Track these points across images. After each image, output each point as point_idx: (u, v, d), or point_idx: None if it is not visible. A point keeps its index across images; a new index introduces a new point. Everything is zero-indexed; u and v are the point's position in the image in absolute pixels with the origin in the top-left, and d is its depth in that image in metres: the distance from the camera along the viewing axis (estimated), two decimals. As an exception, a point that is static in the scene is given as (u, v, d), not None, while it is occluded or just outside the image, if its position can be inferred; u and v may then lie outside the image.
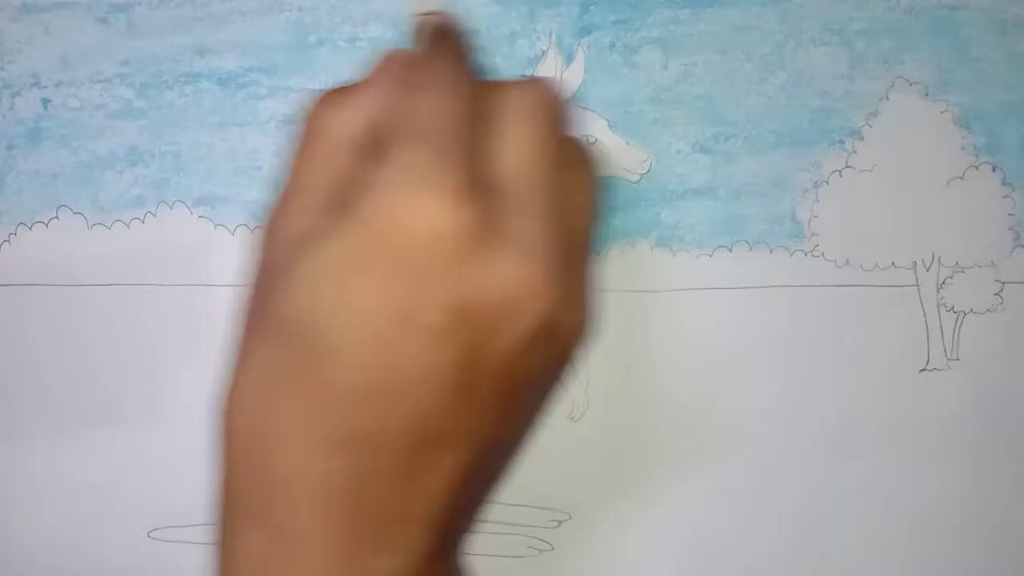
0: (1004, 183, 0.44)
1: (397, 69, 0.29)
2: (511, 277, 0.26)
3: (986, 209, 0.44)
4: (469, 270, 0.26)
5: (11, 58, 0.43)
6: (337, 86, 0.29)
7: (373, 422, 0.26)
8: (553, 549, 0.43)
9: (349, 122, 0.29)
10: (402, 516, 0.27)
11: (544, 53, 0.43)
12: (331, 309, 0.26)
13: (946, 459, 0.44)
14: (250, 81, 0.43)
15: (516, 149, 0.28)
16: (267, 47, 0.43)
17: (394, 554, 0.27)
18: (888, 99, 0.44)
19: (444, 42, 0.31)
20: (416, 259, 0.26)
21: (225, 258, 0.43)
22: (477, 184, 0.27)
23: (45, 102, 0.43)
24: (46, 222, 0.43)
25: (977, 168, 0.44)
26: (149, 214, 0.43)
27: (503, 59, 0.43)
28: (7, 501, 0.43)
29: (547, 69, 0.43)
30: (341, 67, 0.43)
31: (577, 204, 0.30)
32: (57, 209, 0.43)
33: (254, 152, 0.43)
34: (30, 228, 0.43)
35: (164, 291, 0.43)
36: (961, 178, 0.44)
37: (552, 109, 0.30)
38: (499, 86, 0.30)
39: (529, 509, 0.43)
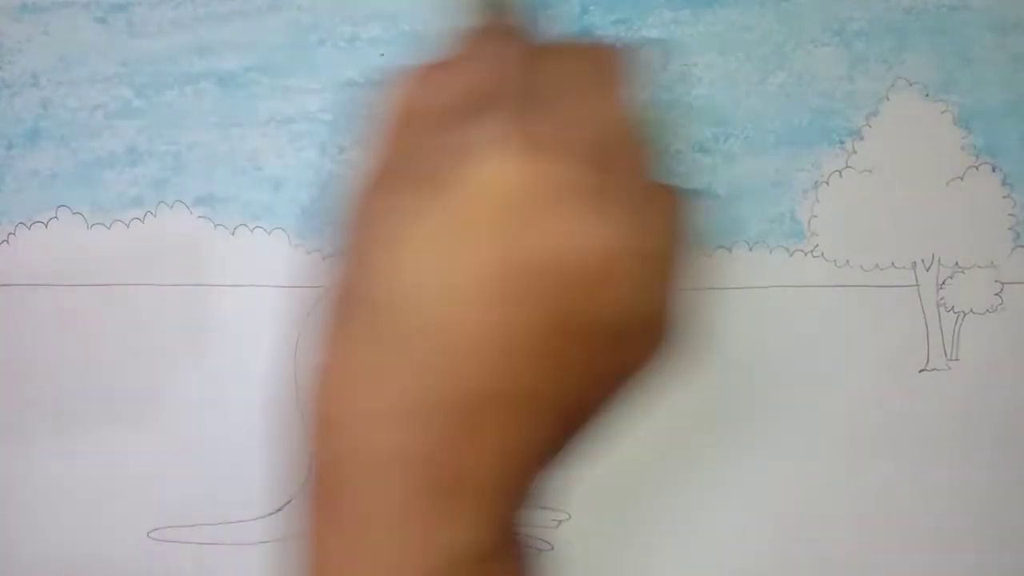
0: (1004, 183, 0.44)
1: (481, 44, 0.29)
2: (613, 237, 0.26)
3: (986, 209, 0.44)
4: (569, 226, 0.26)
5: (11, 58, 0.43)
6: (419, 64, 0.29)
7: (459, 386, 0.26)
8: (553, 549, 0.43)
9: (441, 96, 0.28)
10: (473, 482, 0.27)
11: (544, 53, 0.43)
12: (426, 282, 0.26)
13: (946, 459, 0.44)
14: (250, 81, 0.43)
15: (604, 111, 0.28)
16: (267, 47, 0.43)
17: (465, 523, 0.26)
18: (888, 99, 0.44)
19: (507, 14, 0.31)
20: (513, 217, 0.26)
21: (224, 258, 0.43)
22: (569, 143, 0.26)
23: (45, 102, 0.43)
24: (45, 222, 0.43)
25: (977, 168, 0.44)
26: (148, 214, 0.43)
27: (503, 59, 0.43)
28: (7, 501, 0.43)
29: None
30: (341, 66, 0.43)
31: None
32: (56, 209, 0.43)
33: (254, 152, 0.43)
34: (29, 228, 0.43)
35: (163, 291, 0.43)
36: (961, 178, 0.44)
37: (611, 67, 0.29)
38: (574, 50, 0.30)
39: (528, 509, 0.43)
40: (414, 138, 0.29)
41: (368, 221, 0.28)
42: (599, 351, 0.28)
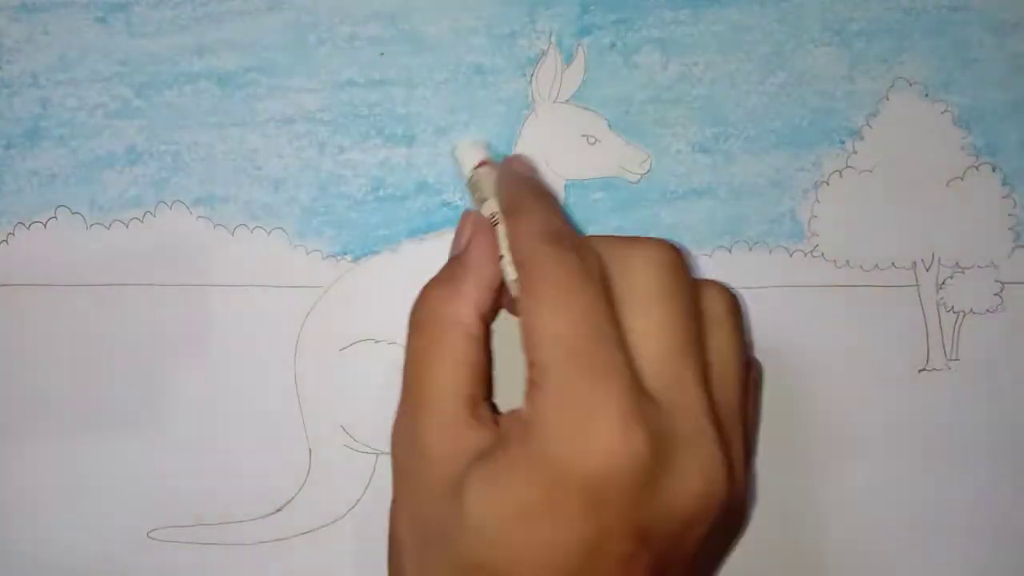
0: (1004, 183, 0.44)
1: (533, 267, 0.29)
2: (688, 497, 0.26)
3: (986, 209, 0.44)
4: (651, 495, 0.26)
5: (10, 58, 0.43)
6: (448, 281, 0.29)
7: None
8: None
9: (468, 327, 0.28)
10: None
11: (544, 53, 0.43)
12: (518, 554, 0.26)
13: (946, 459, 0.44)
14: (249, 81, 0.43)
15: (659, 339, 0.28)
16: (266, 46, 0.43)
17: None
18: (888, 99, 0.44)
19: (533, 202, 0.31)
20: (598, 493, 0.26)
21: (224, 258, 0.43)
22: (640, 400, 0.26)
23: (44, 102, 0.43)
24: (44, 222, 0.43)
25: (977, 168, 0.44)
26: (148, 214, 0.43)
27: (503, 59, 0.43)
28: (7, 501, 0.43)
29: (546, 69, 0.43)
30: (341, 66, 0.43)
31: (729, 366, 0.29)
32: (55, 209, 0.43)
33: (253, 152, 0.43)
34: (28, 228, 0.43)
35: (163, 291, 0.43)
36: (961, 178, 0.44)
37: (676, 274, 0.29)
38: (618, 258, 0.29)
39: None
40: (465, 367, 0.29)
41: (440, 469, 0.28)
42: (702, 570, 0.28)
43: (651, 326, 0.28)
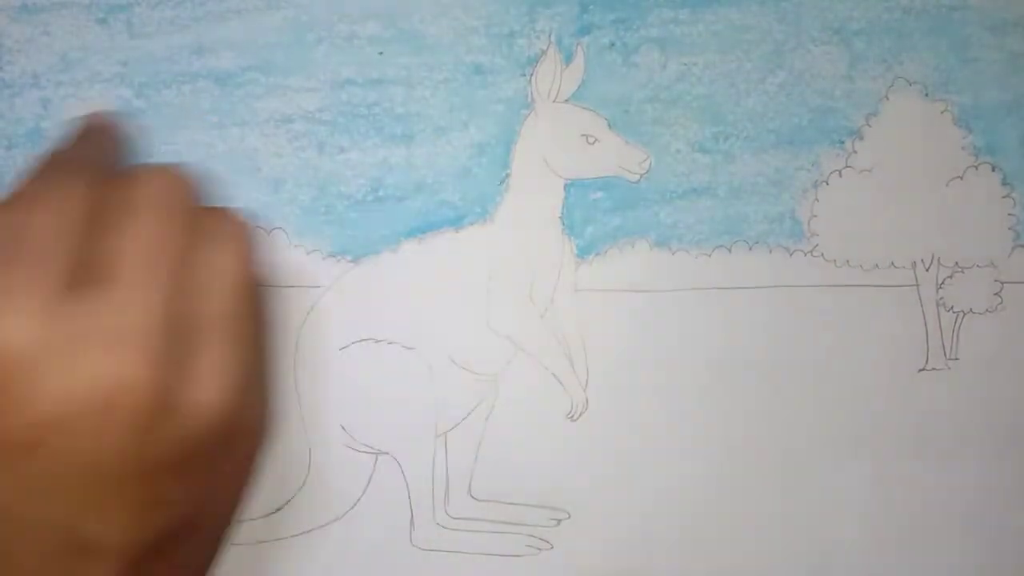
0: (1004, 183, 0.44)
1: (22, 188, 0.29)
2: (98, 376, 0.25)
3: (986, 209, 0.44)
4: (55, 379, 0.25)
5: (11, 58, 0.43)
6: None
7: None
8: (552, 548, 0.43)
9: None
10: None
11: (543, 52, 0.43)
12: None
13: (946, 459, 0.44)
14: (248, 80, 0.43)
15: (129, 241, 0.28)
16: (264, 46, 0.43)
17: None
18: (888, 99, 0.44)
19: (84, 142, 0.31)
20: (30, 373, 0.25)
21: (224, 258, 0.43)
22: (73, 294, 0.26)
23: (45, 102, 0.43)
24: (45, 222, 0.43)
25: (977, 168, 0.44)
26: (148, 214, 0.43)
27: (502, 59, 0.43)
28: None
29: (546, 68, 0.43)
30: (339, 65, 0.43)
31: (213, 281, 0.28)
32: (56, 209, 0.43)
33: (253, 152, 0.43)
34: (29, 228, 0.43)
35: (163, 291, 0.43)
36: (961, 178, 0.44)
37: (172, 193, 0.29)
38: (125, 183, 0.29)
39: (528, 508, 0.43)
40: None
41: None
42: (158, 474, 0.27)
43: (127, 233, 0.28)
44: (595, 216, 0.43)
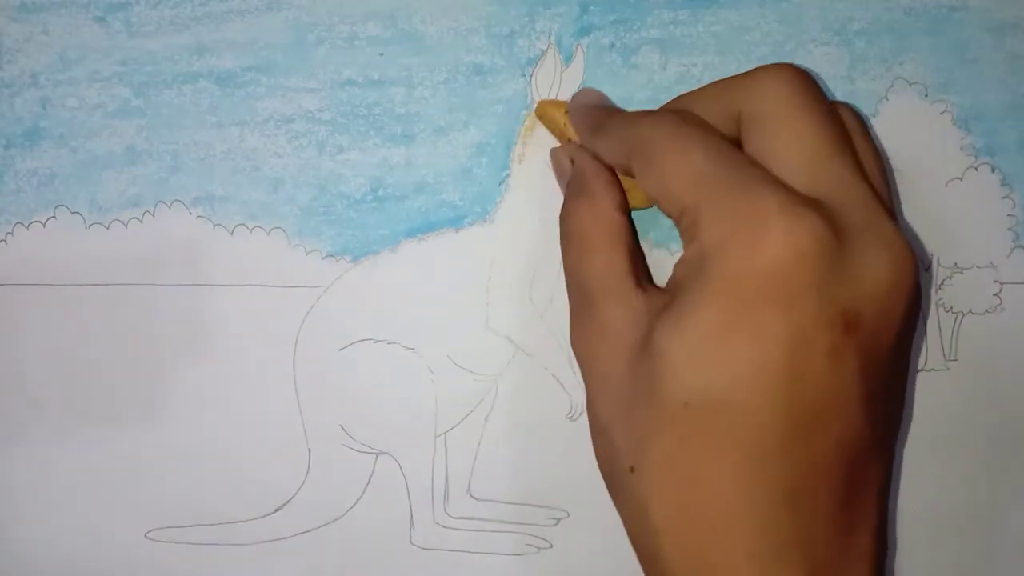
0: (1004, 183, 0.44)
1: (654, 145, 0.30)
2: (881, 271, 0.26)
3: (986, 209, 0.44)
4: (841, 277, 0.25)
5: (9, 58, 0.43)
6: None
7: (804, 460, 0.25)
8: (552, 547, 0.43)
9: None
10: (845, 556, 0.26)
11: (543, 53, 0.43)
12: (722, 375, 0.25)
13: (945, 459, 0.44)
14: (248, 80, 0.43)
15: (802, 149, 0.28)
16: (265, 46, 0.43)
17: None
18: (887, 99, 0.44)
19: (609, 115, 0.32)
20: (786, 288, 0.25)
21: (223, 258, 0.43)
22: (800, 196, 0.26)
23: (43, 101, 0.43)
24: (43, 222, 0.43)
25: (976, 168, 0.44)
26: (147, 214, 0.43)
27: (502, 59, 0.43)
28: (6, 501, 0.43)
29: (546, 69, 0.43)
30: (340, 65, 0.43)
31: (875, 167, 0.29)
32: (55, 208, 0.43)
33: (252, 152, 0.43)
34: (27, 228, 0.43)
35: (162, 291, 0.43)
36: (960, 178, 0.44)
37: (813, 89, 0.29)
38: (741, 91, 0.30)
39: (527, 507, 0.43)
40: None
41: (629, 322, 0.27)
42: (905, 357, 0.27)
43: (792, 138, 0.28)
44: (595, 216, 0.43)
